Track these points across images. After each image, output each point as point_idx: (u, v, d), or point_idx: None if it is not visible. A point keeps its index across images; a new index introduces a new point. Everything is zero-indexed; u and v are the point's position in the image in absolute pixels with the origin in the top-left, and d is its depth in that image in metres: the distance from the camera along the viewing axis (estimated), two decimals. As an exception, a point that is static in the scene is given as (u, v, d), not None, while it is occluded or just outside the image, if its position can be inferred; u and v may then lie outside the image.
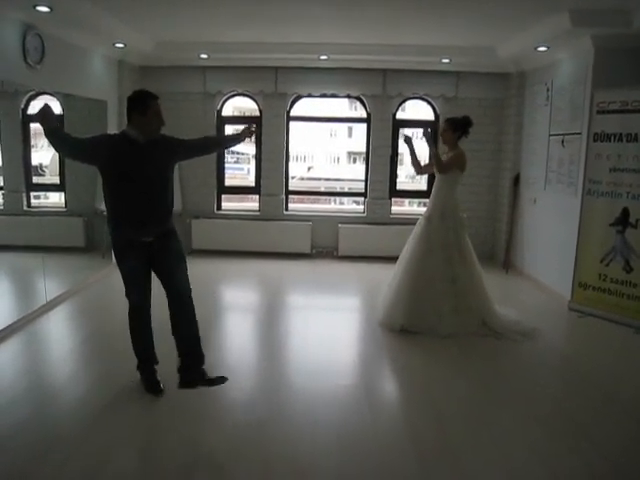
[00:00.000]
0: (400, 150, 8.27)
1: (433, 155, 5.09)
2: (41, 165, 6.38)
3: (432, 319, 4.90)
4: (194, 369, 3.78)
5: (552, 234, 6.49)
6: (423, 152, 5.29)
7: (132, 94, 3.70)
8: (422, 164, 5.36)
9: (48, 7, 4.84)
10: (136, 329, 3.89)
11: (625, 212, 5.29)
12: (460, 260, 5.04)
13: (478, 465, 2.96)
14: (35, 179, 6.15)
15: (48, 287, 5.51)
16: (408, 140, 5.15)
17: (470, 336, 4.90)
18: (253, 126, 4.02)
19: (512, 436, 3.28)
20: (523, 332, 4.99)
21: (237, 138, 4.06)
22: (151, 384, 3.71)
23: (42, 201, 6.32)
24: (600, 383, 4.02)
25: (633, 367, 4.41)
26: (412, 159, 5.28)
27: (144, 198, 3.56)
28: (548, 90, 6.66)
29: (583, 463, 2.97)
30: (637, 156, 5.16)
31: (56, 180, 6.45)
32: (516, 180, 7.56)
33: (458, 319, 4.94)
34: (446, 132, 5.12)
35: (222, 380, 3.81)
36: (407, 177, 9.37)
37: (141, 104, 3.65)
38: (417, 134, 5.11)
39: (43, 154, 6.51)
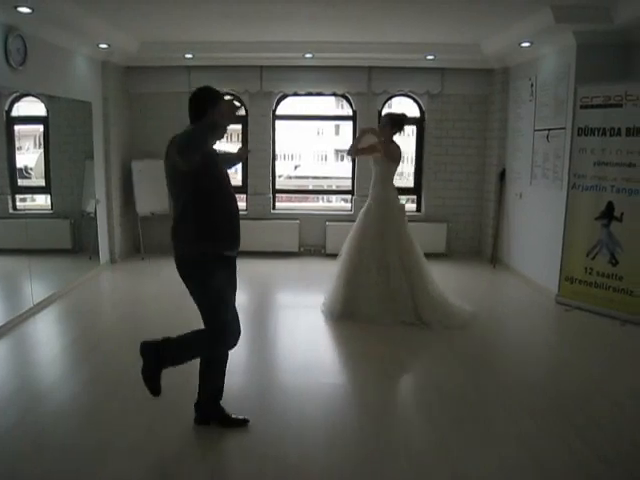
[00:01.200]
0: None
1: (354, 141, 5.51)
2: (26, 167, 6.33)
3: (365, 306, 5.15)
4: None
5: (538, 228, 6.55)
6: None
7: (201, 90, 3.26)
8: (358, 148, 5.54)
9: (30, 8, 4.79)
10: (222, 361, 3.40)
11: (610, 206, 5.34)
12: (397, 249, 5.21)
13: (467, 458, 2.99)
14: (20, 181, 6.09)
15: (35, 290, 5.47)
16: (363, 131, 5.41)
17: (404, 325, 5.06)
18: (248, 151, 3.76)
19: (501, 429, 3.31)
20: (452, 324, 5.11)
21: (232, 160, 3.64)
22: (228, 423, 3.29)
23: (28, 204, 6.27)
24: (588, 376, 4.06)
25: (620, 359, 4.46)
26: (355, 142, 5.51)
27: (235, 207, 3.15)
28: (532, 86, 6.71)
29: (572, 456, 3.00)
30: (620, 150, 5.22)
31: (42, 182, 6.40)
32: (502, 175, 7.61)
33: (391, 306, 5.13)
34: (386, 127, 5.32)
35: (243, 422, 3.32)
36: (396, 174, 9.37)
37: (215, 102, 3.15)
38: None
39: (28, 156, 6.46)
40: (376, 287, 5.16)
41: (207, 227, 2.98)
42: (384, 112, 5.56)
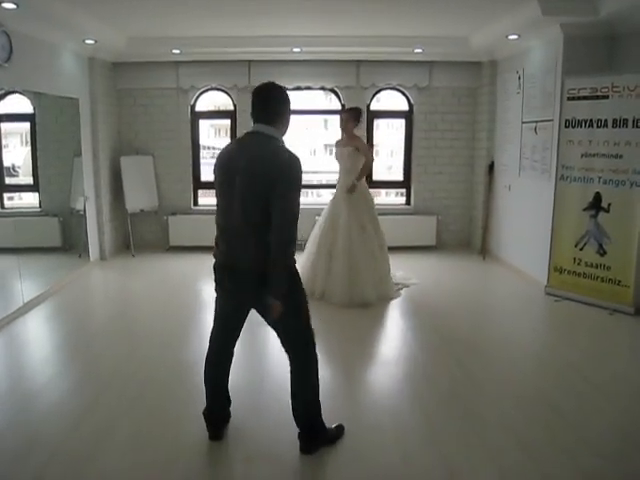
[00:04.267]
0: (376, 141, 8.32)
1: (368, 163, 5.75)
2: (14, 166, 6.29)
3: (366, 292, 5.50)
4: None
5: (527, 220, 6.59)
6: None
7: (279, 86, 2.93)
8: (361, 174, 5.77)
9: (14, 4, 4.75)
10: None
11: (597, 197, 5.39)
12: (360, 235, 5.58)
13: (457, 448, 3.02)
14: (8, 180, 6.07)
15: (25, 288, 5.44)
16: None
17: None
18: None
19: (490, 418, 3.34)
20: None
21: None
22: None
23: (16, 202, 6.23)
24: (578, 365, 4.09)
25: (609, 349, 4.51)
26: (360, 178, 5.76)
27: None
28: (520, 78, 6.74)
29: (560, 444, 3.04)
30: (607, 141, 5.25)
31: (30, 180, 6.36)
32: (491, 167, 7.65)
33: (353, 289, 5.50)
34: (350, 122, 5.59)
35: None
36: (385, 167, 9.38)
37: (290, 103, 2.91)
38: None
39: (15, 154, 6.42)
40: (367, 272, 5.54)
41: (294, 244, 2.74)
42: (345, 108, 5.79)
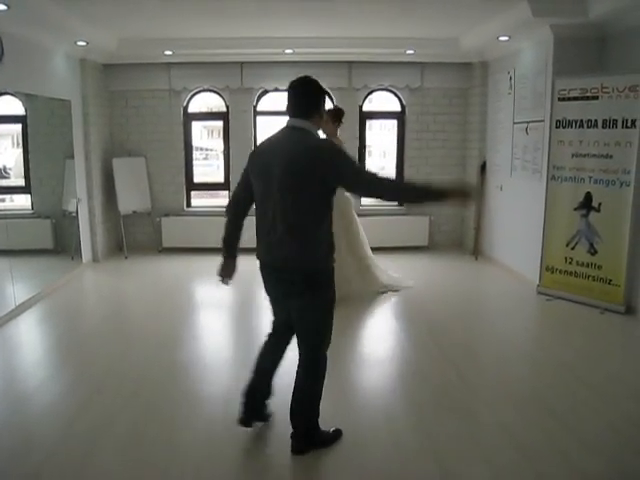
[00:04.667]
0: (368, 142, 8.34)
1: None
2: (5, 167, 6.27)
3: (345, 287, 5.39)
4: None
5: (519, 220, 6.62)
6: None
7: (315, 80, 2.87)
8: None
9: (5, 5, 4.73)
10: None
11: (588, 196, 5.42)
12: (344, 236, 5.57)
13: (450, 447, 3.03)
14: (-1, 182, 6.05)
15: (17, 291, 5.42)
16: None
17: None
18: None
19: (483, 417, 3.36)
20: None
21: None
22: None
23: (7, 204, 6.20)
24: (571, 365, 4.12)
25: (601, 348, 4.54)
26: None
27: None
28: (511, 79, 6.77)
29: (554, 444, 3.06)
30: (597, 141, 5.29)
31: (21, 182, 6.33)
32: (483, 168, 7.68)
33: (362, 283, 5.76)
34: (328, 123, 5.45)
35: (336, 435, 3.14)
36: (378, 168, 9.41)
37: (325, 98, 2.89)
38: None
39: (7, 156, 6.40)
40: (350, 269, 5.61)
41: (333, 241, 2.82)
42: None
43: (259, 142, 2.93)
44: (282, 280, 2.85)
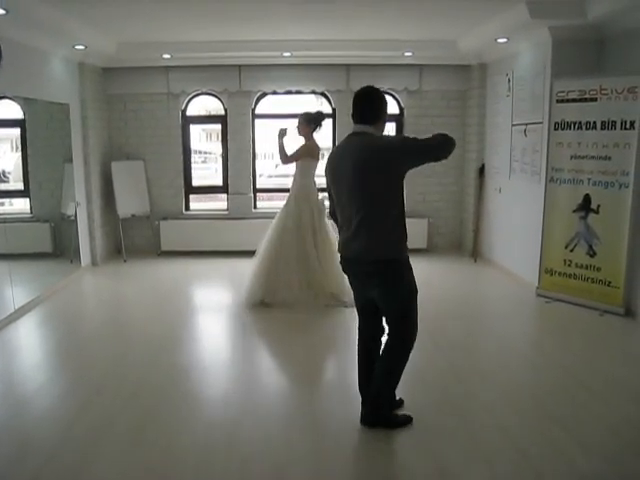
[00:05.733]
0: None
1: (279, 148, 5.66)
2: (4, 171, 6.27)
3: (284, 292, 5.51)
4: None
5: (518, 222, 6.62)
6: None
7: (379, 89, 3.15)
8: (288, 155, 5.75)
9: (4, 9, 4.72)
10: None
11: (587, 198, 5.42)
12: (313, 240, 5.57)
13: (449, 448, 3.03)
14: (-2, 186, 6.05)
15: (16, 295, 5.42)
16: (281, 133, 5.64)
17: (319, 307, 5.47)
18: None
19: (483, 420, 3.36)
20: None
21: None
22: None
23: (6, 208, 6.20)
24: (570, 367, 4.12)
25: (601, 350, 4.53)
26: (280, 149, 5.71)
27: None
28: (509, 81, 6.78)
29: (554, 447, 3.05)
30: (596, 143, 5.30)
31: (20, 186, 6.33)
32: (481, 170, 7.68)
33: (308, 292, 5.50)
34: (301, 125, 5.61)
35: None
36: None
37: (386, 104, 3.14)
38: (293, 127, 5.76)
39: (6, 160, 6.40)
40: (295, 275, 5.51)
41: (406, 232, 3.09)
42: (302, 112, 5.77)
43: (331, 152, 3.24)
44: (356, 272, 3.13)
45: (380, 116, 3.04)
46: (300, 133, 5.64)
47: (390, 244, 3.00)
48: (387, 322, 3.16)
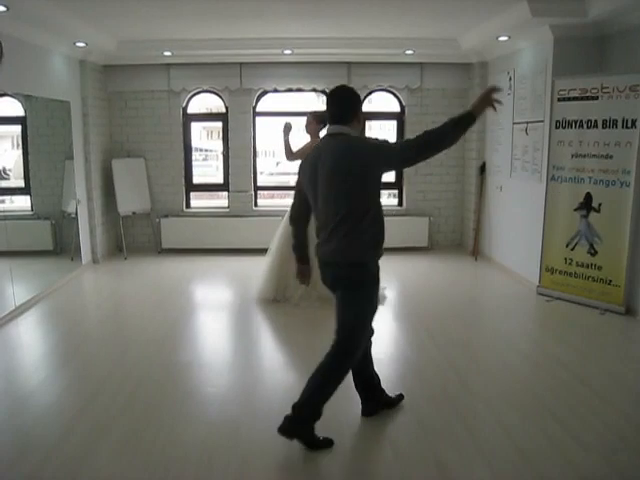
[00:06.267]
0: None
1: (284, 144, 5.70)
2: (4, 169, 6.26)
3: (294, 290, 5.53)
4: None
5: (518, 220, 6.62)
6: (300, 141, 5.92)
7: (351, 87, 3.14)
8: (293, 151, 5.79)
9: (4, 6, 4.73)
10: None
11: (588, 197, 5.42)
12: None
13: (449, 445, 3.03)
14: (-1, 183, 6.05)
15: (17, 292, 5.42)
16: (287, 128, 5.66)
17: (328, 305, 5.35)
18: None
19: (482, 417, 3.36)
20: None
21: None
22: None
23: (7, 205, 6.20)
24: (569, 365, 4.12)
25: (601, 349, 4.53)
26: (285, 145, 5.74)
27: None
28: (510, 79, 6.77)
29: (554, 445, 3.06)
30: (597, 142, 5.29)
31: (21, 183, 6.33)
32: (482, 169, 7.68)
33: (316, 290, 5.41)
34: (310, 124, 5.57)
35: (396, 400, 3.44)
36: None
37: (361, 106, 3.09)
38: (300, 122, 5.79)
39: (7, 157, 6.39)
40: None
41: (382, 234, 2.97)
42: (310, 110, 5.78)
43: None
44: (326, 275, 3.04)
45: (354, 115, 2.98)
46: (308, 131, 5.61)
47: (363, 247, 2.89)
48: (336, 332, 3.00)
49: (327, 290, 4.99)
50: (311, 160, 2.99)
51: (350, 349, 2.99)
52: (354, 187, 2.83)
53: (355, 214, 2.85)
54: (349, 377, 3.71)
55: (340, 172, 2.83)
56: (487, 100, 3.12)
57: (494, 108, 3.09)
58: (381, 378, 3.43)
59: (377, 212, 2.92)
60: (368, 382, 3.37)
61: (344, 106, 2.98)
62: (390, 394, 3.46)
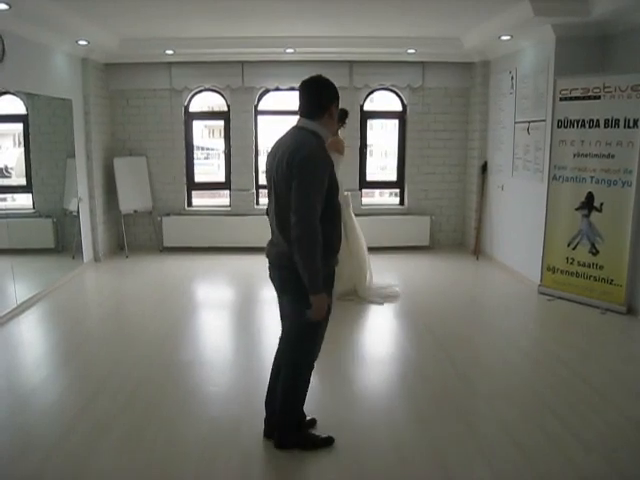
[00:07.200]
0: (369, 142, 8.33)
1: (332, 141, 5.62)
2: (6, 167, 6.27)
3: None
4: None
5: (520, 220, 6.62)
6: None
7: (325, 79, 2.79)
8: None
9: (7, 4, 4.73)
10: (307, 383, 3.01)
11: (590, 196, 5.41)
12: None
13: (449, 443, 3.03)
14: (1, 181, 6.04)
15: (18, 290, 5.43)
16: None
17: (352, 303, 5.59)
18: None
19: (482, 414, 3.37)
20: (385, 295, 5.77)
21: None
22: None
23: (9, 203, 6.20)
24: (570, 364, 4.11)
25: (601, 347, 4.53)
26: None
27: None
28: (512, 78, 6.76)
29: (554, 443, 3.06)
30: (599, 141, 5.28)
31: (23, 182, 6.34)
32: (484, 168, 7.67)
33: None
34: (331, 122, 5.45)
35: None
36: (379, 168, 9.40)
37: (337, 98, 2.81)
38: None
39: (9, 155, 6.40)
40: None
41: (331, 243, 2.71)
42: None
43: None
44: (273, 277, 2.90)
45: (325, 110, 2.72)
46: (328, 128, 5.59)
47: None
48: (279, 340, 2.96)
49: (339, 287, 4.89)
50: (270, 153, 2.83)
51: (299, 359, 2.88)
52: (286, 188, 2.62)
53: (285, 216, 2.64)
54: (345, 377, 3.71)
55: (282, 170, 2.62)
56: (319, 312, 2.66)
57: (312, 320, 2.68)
58: (383, 377, 3.43)
59: (325, 219, 2.63)
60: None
61: (313, 99, 2.74)
62: (319, 433, 3.12)
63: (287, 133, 2.80)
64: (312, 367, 2.95)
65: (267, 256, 2.90)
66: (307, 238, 2.54)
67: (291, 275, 2.67)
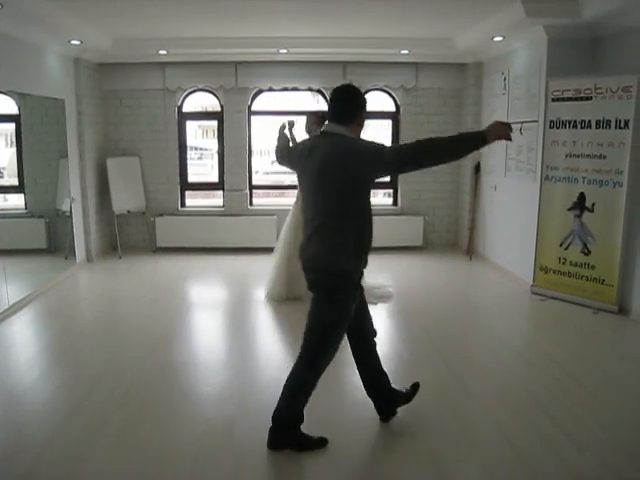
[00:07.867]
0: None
1: (291, 139, 5.54)
2: (-2, 167, 6.26)
3: (297, 287, 5.49)
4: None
5: (513, 220, 6.64)
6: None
7: (356, 88, 3.00)
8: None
9: (-1, 4, 4.73)
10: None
11: (581, 197, 5.45)
12: None
13: (443, 443, 3.04)
14: (-7, 181, 6.03)
15: (10, 291, 5.41)
16: (291, 125, 5.45)
17: None
18: None
19: (476, 415, 3.38)
20: (378, 295, 5.73)
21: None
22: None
23: (1, 203, 6.18)
24: (563, 364, 4.14)
25: (594, 347, 4.56)
26: (292, 140, 5.51)
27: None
28: (505, 79, 6.79)
29: (548, 443, 3.07)
30: (591, 142, 5.32)
31: (15, 182, 6.32)
32: (477, 168, 7.70)
33: None
34: (315, 124, 5.52)
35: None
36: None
37: (365, 107, 2.98)
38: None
39: (1, 155, 6.38)
40: None
41: (364, 244, 2.82)
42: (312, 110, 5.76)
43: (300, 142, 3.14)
44: (308, 280, 2.95)
45: (355, 117, 2.86)
46: (309, 131, 5.56)
47: (342, 256, 2.76)
48: (304, 335, 2.96)
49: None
50: (302, 151, 2.93)
51: (318, 355, 2.92)
52: (344, 190, 2.72)
53: (341, 220, 2.74)
54: (338, 377, 3.72)
55: (329, 173, 2.72)
56: (503, 130, 2.87)
57: (509, 139, 2.91)
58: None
59: (365, 222, 2.81)
60: (375, 380, 3.26)
61: (347, 106, 2.87)
62: (402, 389, 3.36)
63: (319, 141, 2.88)
64: (329, 362, 2.97)
65: (300, 258, 2.95)
66: (438, 150, 2.79)
67: (325, 276, 2.81)
